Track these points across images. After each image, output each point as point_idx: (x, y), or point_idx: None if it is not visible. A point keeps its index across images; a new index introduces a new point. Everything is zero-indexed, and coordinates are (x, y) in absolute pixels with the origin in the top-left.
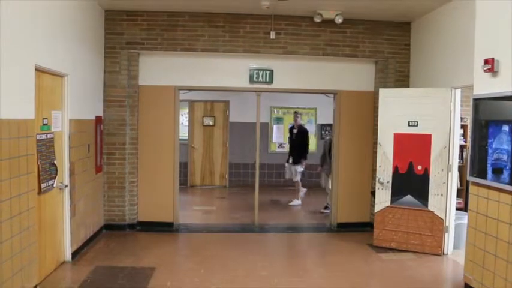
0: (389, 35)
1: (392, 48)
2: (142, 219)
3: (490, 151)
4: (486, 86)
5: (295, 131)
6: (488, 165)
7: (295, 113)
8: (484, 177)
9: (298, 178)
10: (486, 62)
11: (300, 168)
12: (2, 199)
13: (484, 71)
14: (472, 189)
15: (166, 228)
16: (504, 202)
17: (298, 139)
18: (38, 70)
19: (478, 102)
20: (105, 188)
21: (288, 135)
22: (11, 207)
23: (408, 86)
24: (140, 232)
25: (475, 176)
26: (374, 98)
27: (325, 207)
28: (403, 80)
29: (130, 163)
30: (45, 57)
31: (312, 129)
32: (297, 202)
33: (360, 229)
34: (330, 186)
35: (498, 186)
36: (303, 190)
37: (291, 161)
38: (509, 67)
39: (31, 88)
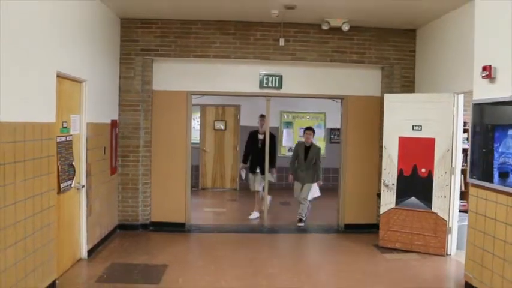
0: (395, 41)
1: (398, 54)
2: (155, 219)
3: (496, 155)
4: (484, 92)
5: (260, 136)
6: (495, 169)
7: (262, 116)
8: (487, 180)
9: (261, 188)
10: (484, 69)
11: (271, 178)
12: (27, 196)
13: (482, 77)
14: (472, 190)
15: (178, 228)
16: (502, 203)
17: (266, 145)
18: (59, 76)
19: (477, 107)
20: (120, 189)
21: (248, 142)
22: (33, 204)
23: (413, 91)
24: (153, 232)
25: (474, 178)
26: (380, 102)
27: (300, 220)
28: (408, 86)
29: (144, 165)
30: (66, 63)
31: (321, 134)
32: (256, 215)
33: (366, 230)
34: (307, 196)
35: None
36: (268, 198)
37: (258, 170)
38: (506, 74)
39: (53, 93)
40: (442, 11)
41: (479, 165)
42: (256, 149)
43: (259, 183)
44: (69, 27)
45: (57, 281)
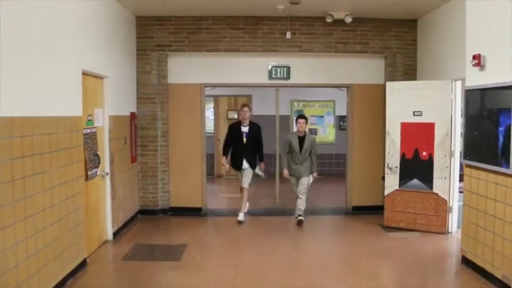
0: (397, 31)
1: (400, 43)
2: (173, 204)
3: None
4: (475, 79)
5: (245, 128)
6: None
7: (244, 105)
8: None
9: (247, 185)
10: (474, 57)
11: (259, 172)
12: (61, 182)
13: (473, 65)
14: (466, 171)
15: (195, 213)
16: (492, 181)
17: (252, 137)
18: (84, 74)
19: (468, 93)
20: (140, 177)
21: (228, 135)
22: (66, 189)
23: (415, 79)
24: (172, 216)
25: (468, 159)
26: (384, 90)
27: (299, 221)
28: (410, 73)
29: (162, 154)
30: (90, 62)
31: (331, 121)
32: (242, 216)
33: (373, 212)
34: (306, 191)
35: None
36: (247, 204)
37: (246, 165)
38: (493, 62)
39: (79, 90)
40: (441, 1)
41: (472, 147)
42: (240, 143)
43: (247, 179)
44: (92, 27)
45: (87, 259)
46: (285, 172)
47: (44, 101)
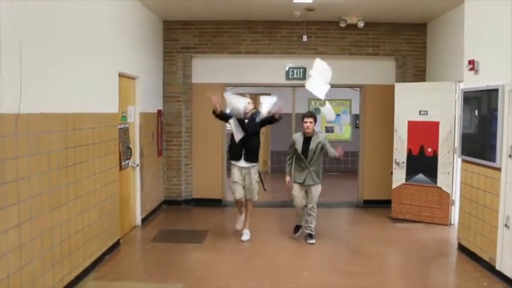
0: (407, 35)
1: (410, 46)
2: (195, 196)
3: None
4: (470, 82)
5: (246, 121)
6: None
7: (244, 96)
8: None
9: (256, 192)
10: (469, 62)
11: (256, 174)
12: (101, 170)
13: (468, 70)
14: (463, 165)
15: (216, 204)
16: (483, 175)
17: (253, 131)
18: (120, 75)
19: (465, 94)
20: (165, 170)
21: (229, 125)
22: (105, 177)
23: (424, 80)
24: (194, 207)
25: (464, 155)
26: (394, 90)
27: (310, 236)
28: (420, 75)
29: (186, 149)
30: (124, 64)
31: (347, 119)
32: (247, 234)
33: (382, 205)
34: (311, 205)
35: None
36: (247, 234)
37: (243, 163)
38: (485, 67)
39: (116, 90)
40: (448, 7)
41: (468, 144)
42: (238, 136)
43: (251, 183)
44: (125, 33)
45: (120, 240)
46: (287, 179)
47: (89, 99)
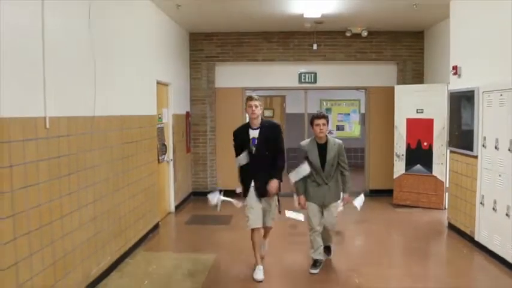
0: (407, 42)
1: (410, 52)
2: (220, 188)
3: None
4: (455, 84)
5: (253, 132)
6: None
7: (250, 98)
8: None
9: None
10: (453, 68)
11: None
12: (145, 162)
13: (452, 74)
14: (450, 155)
15: (238, 195)
16: (465, 162)
17: (266, 143)
18: (157, 83)
19: (451, 95)
20: (192, 164)
21: (237, 147)
22: (147, 169)
23: (423, 82)
24: None
25: (451, 146)
26: (395, 92)
27: (315, 264)
28: (418, 77)
29: (210, 146)
30: (160, 73)
31: (356, 118)
32: (260, 273)
33: (386, 194)
34: (331, 225)
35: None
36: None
37: (253, 186)
38: (465, 72)
39: (154, 95)
40: (442, 17)
41: (454, 137)
42: (249, 155)
43: (261, 214)
44: (160, 46)
45: (159, 222)
46: (302, 200)
47: (135, 104)
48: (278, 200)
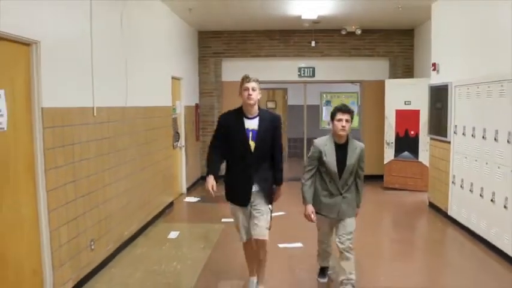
0: (398, 39)
1: (401, 48)
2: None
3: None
4: (434, 79)
5: (251, 122)
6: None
7: (246, 78)
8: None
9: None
10: (432, 64)
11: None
12: (163, 147)
13: (432, 70)
14: (430, 142)
15: None
16: (440, 147)
17: (267, 139)
18: (172, 78)
19: (431, 88)
20: (201, 152)
21: (217, 131)
22: (164, 153)
23: (412, 76)
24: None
25: (431, 134)
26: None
27: (325, 272)
28: (408, 72)
29: None
30: (175, 68)
31: (355, 110)
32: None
33: (378, 179)
34: (347, 241)
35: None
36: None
37: (255, 188)
38: (442, 68)
39: (169, 89)
40: (429, 17)
41: (433, 126)
42: (243, 150)
43: (254, 224)
44: (173, 44)
45: (174, 201)
46: (310, 210)
47: (155, 96)
48: (271, 211)
